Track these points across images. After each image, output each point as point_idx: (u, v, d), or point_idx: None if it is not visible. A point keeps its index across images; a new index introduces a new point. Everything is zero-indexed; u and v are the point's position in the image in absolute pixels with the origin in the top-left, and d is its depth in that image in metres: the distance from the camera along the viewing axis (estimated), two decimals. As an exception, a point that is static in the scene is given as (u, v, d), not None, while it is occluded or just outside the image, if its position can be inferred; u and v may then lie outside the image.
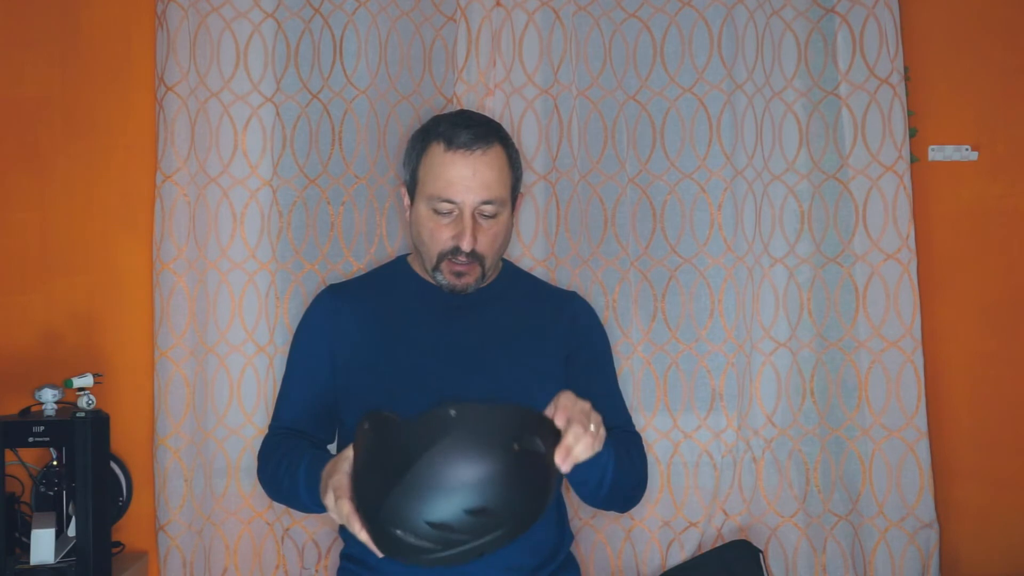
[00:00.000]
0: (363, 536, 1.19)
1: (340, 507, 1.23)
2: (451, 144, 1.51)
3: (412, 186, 1.59)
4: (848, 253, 2.05)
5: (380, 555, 1.19)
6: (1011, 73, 2.11)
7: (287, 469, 1.50)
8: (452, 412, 1.12)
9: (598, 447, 1.26)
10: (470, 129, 1.52)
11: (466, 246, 1.51)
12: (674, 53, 2.09)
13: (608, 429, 1.61)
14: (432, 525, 1.12)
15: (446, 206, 1.52)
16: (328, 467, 1.33)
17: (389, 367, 1.58)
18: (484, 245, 1.54)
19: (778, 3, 2.06)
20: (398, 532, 1.13)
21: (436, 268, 1.56)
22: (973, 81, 2.11)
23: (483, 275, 1.57)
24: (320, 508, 1.40)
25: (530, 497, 1.17)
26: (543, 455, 1.17)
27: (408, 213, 1.61)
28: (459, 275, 1.55)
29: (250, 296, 2.05)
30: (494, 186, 1.52)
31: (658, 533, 2.06)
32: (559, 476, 1.23)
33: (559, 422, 1.22)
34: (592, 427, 1.24)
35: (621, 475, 1.48)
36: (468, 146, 1.50)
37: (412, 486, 1.11)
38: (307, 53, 2.07)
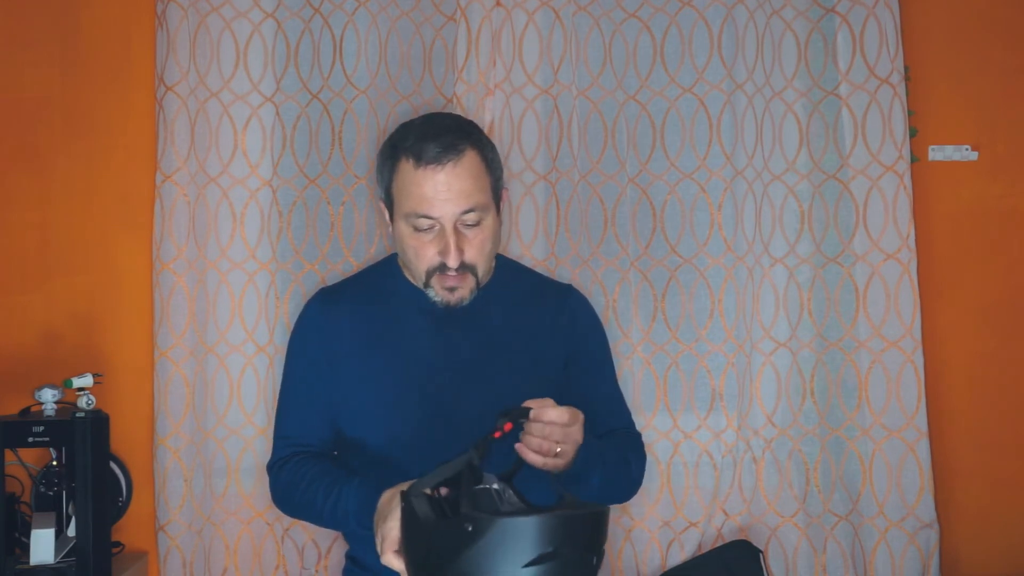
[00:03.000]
0: None
1: (389, 559, 1.26)
2: (420, 160, 1.44)
3: (389, 203, 1.53)
4: (848, 253, 2.05)
5: None
6: (1011, 73, 2.11)
7: (325, 497, 1.49)
8: (469, 528, 1.12)
9: (552, 464, 1.34)
10: (438, 140, 1.44)
11: (452, 262, 1.46)
12: (674, 53, 2.09)
13: (609, 432, 1.61)
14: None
15: (425, 222, 1.46)
16: (382, 505, 1.34)
17: (386, 378, 1.54)
18: (472, 255, 1.48)
19: (778, 3, 2.06)
20: None
21: (427, 285, 1.51)
22: (973, 81, 2.11)
23: (477, 284, 1.52)
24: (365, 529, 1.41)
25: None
26: (578, 557, 1.16)
27: (390, 228, 1.56)
28: (452, 289, 1.49)
29: (250, 296, 2.05)
30: (473, 194, 1.45)
31: (658, 533, 2.05)
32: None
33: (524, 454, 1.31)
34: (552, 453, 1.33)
35: (607, 487, 1.50)
36: (438, 160, 1.43)
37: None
38: (307, 53, 2.07)
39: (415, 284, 1.57)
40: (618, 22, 2.09)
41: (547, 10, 2.07)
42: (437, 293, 1.51)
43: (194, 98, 2.03)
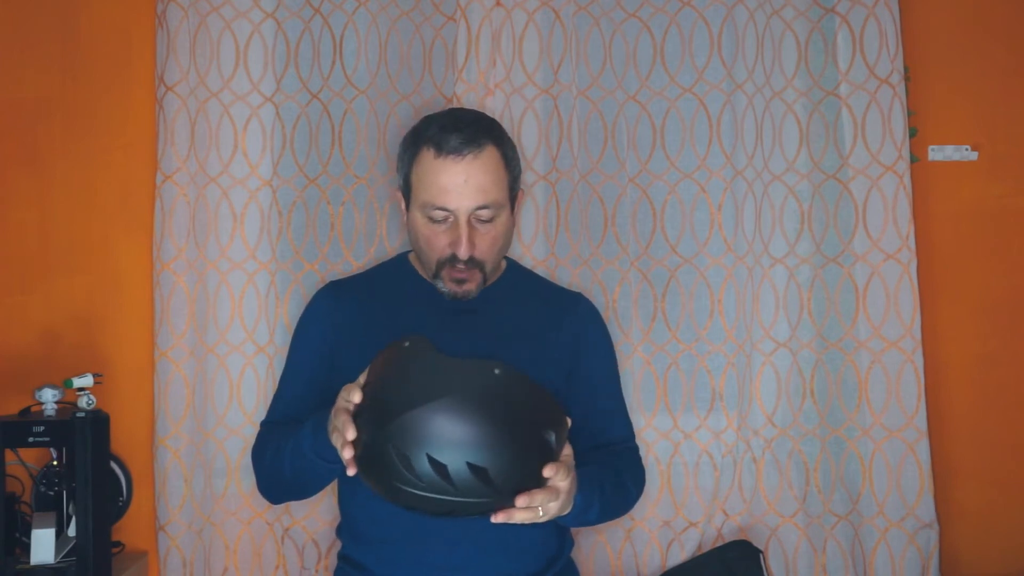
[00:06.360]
0: (345, 449, 1.20)
1: (342, 420, 1.23)
2: (441, 150, 1.45)
3: (406, 191, 1.54)
4: (848, 253, 2.05)
5: (351, 472, 1.20)
6: (1011, 73, 2.11)
7: (289, 436, 1.46)
8: (497, 371, 1.15)
9: (540, 517, 1.26)
10: (460, 132, 1.45)
11: (463, 254, 1.47)
12: (674, 53, 2.09)
13: (607, 444, 1.61)
14: (430, 460, 1.12)
15: (440, 213, 1.47)
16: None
17: None
18: (483, 250, 1.50)
19: (778, 3, 2.06)
20: (393, 452, 1.14)
21: (436, 276, 1.52)
22: (973, 81, 2.11)
23: (484, 280, 1.54)
24: (325, 462, 1.37)
25: (526, 484, 1.19)
26: (553, 453, 1.18)
27: (405, 217, 1.58)
28: (460, 282, 1.51)
29: (250, 296, 2.05)
30: (489, 190, 1.46)
31: (658, 533, 2.06)
32: None
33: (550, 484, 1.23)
34: (544, 508, 1.24)
35: (605, 515, 1.50)
36: (459, 151, 1.44)
37: (436, 414, 1.12)
38: (307, 53, 2.07)
39: (425, 276, 1.59)
40: (618, 22, 2.09)
41: (547, 10, 2.07)
42: (445, 285, 1.53)
43: (194, 98, 2.03)
